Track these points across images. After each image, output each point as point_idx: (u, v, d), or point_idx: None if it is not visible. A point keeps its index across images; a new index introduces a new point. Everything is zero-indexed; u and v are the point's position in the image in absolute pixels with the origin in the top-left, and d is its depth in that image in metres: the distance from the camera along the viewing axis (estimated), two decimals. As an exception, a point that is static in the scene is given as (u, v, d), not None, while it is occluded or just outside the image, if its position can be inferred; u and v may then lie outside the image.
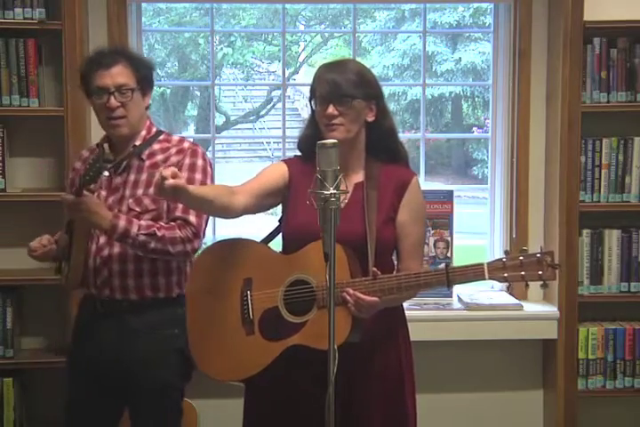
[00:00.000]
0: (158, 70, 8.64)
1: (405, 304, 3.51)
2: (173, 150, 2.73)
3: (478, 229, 4.88)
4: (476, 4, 7.60)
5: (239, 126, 10.80)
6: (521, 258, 2.22)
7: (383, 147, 2.50)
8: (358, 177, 2.49)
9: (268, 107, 10.35)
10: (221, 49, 9.36)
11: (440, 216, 3.62)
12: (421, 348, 3.49)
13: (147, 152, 2.73)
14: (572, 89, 3.43)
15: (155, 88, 2.86)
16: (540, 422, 3.78)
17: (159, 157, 2.73)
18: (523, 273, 2.22)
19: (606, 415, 3.70)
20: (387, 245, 2.46)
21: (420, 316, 3.50)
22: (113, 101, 2.66)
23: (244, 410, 2.58)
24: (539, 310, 3.61)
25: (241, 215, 2.47)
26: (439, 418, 3.70)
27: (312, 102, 2.50)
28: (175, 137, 2.82)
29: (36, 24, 3.31)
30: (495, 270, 2.24)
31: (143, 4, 3.73)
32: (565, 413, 3.53)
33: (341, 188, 2.03)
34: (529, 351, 3.74)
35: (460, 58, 10.14)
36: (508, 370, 3.76)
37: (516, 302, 3.62)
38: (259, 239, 2.59)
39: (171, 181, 2.18)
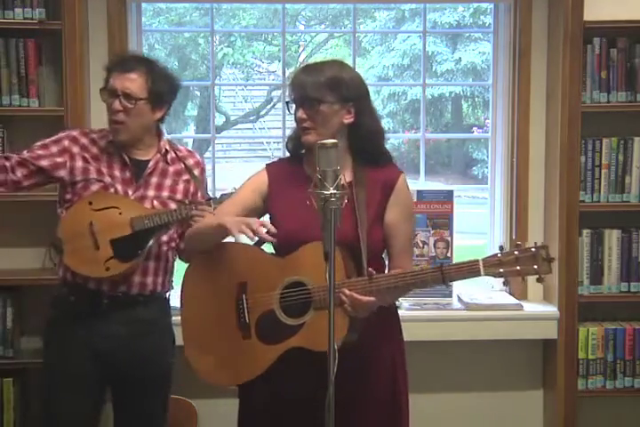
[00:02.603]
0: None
1: (405, 304, 3.54)
2: (191, 161, 2.87)
3: (478, 229, 4.88)
4: (475, 4, 7.60)
5: (239, 126, 10.80)
6: (516, 253, 2.20)
7: (363, 149, 2.46)
8: (345, 177, 2.48)
9: (268, 107, 10.34)
10: (221, 49, 9.36)
11: (440, 216, 3.62)
12: (421, 348, 3.51)
13: (169, 158, 2.84)
14: (572, 89, 3.43)
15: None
16: (540, 423, 3.78)
17: (179, 166, 2.84)
18: (518, 268, 2.20)
19: (606, 415, 3.70)
20: (376, 246, 2.45)
21: (420, 316, 3.50)
22: (117, 105, 2.70)
23: (240, 411, 2.57)
24: (539, 310, 3.61)
25: None
26: (439, 418, 3.70)
27: (289, 105, 2.48)
28: (180, 146, 2.94)
29: (36, 24, 3.31)
30: (491, 266, 2.22)
31: (143, 4, 3.73)
32: (565, 413, 3.53)
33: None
34: (529, 351, 3.74)
35: (460, 58, 10.14)
36: (508, 370, 3.75)
37: (516, 302, 3.62)
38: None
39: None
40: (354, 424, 2.40)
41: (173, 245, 2.83)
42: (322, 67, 2.46)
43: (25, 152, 2.76)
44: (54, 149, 2.77)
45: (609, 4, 3.45)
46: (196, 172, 2.86)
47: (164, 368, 2.85)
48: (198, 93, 10.11)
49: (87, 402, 2.77)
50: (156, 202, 2.77)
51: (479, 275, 2.25)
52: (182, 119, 10.49)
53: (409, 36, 10.16)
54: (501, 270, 2.21)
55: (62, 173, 2.76)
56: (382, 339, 2.49)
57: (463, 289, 3.73)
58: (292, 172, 2.52)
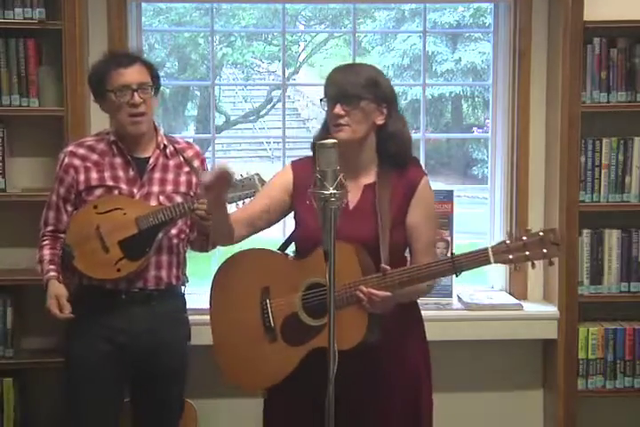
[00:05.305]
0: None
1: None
2: (190, 153, 2.91)
3: (478, 229, 4.87)
4: (476, 4, 7.60)
5: (239, 126, 10.81)
6: (524, 238, 2.22)
7: (389, 151, 2.50)
8: (369, 178, 2.50)
9: (268, 107, 10.35)
10: (221, 49, 9.37)
11: (440, 216, 3.61)
12: (421, 348, 3.50)
13: (168, 152, 2.88)
14: (572, 89, 3.43)
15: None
16: (540, 423, 3.78)
17: (178, 159, 2.89)
18: (527, 253, 2.21)
19: (606, 415, 3.70)
20: (399, 246, 2.48)
21: (420, 316, 3.50)
22: (137, 98, 2.76)
23: (265, 411, 2.60)
24: (539, 310, 3.61)
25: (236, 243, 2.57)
26: (439, 418, 3.67)
27: (322, 103, 2.52)
28: (179, 139, 2.98)
29: (36, 24, 3.31)
30: (500, 253, 2.24)
31: (143, 4, 3.73)
32: (565, 413, 3.53)
33: (347, 188, 2.05)
34: (529, 351, 3.74)
35: (460, 58, 10.14)
36: (508, 370, 3.75)
37: (516, 301, 3.62)
38: (272, 242, 2.65)
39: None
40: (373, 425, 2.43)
41: (183, 236, 2.87)
42: (358, 67, 2.55)
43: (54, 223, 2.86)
44: (62, 175, 2.84)
45: (609, 4, 3.44)
46: (195, 163, 2.89)
47: (178, 360, 2.89)
48: (198, 93, 10.13)
49: (110, 398, 2.82)
50: (162, 197, 2.81)
51: (489, 263, 2.26)
52: (182, 119, 10.50)
53: (409, 36, 10.17)
54: (510, 257, 2.23)
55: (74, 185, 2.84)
56: (404, 339, 2.52)
57: (463, 289, 3.73)
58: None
